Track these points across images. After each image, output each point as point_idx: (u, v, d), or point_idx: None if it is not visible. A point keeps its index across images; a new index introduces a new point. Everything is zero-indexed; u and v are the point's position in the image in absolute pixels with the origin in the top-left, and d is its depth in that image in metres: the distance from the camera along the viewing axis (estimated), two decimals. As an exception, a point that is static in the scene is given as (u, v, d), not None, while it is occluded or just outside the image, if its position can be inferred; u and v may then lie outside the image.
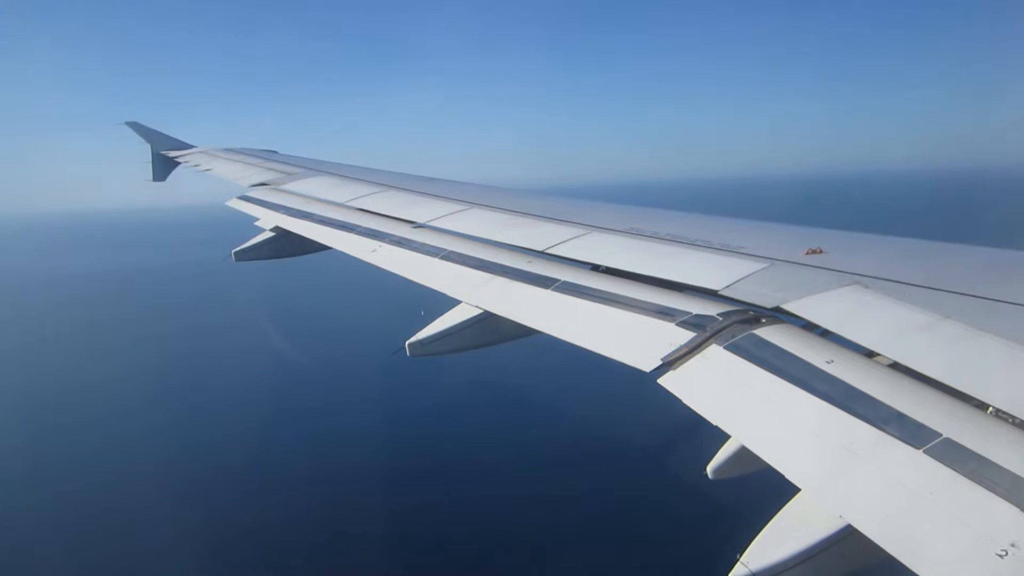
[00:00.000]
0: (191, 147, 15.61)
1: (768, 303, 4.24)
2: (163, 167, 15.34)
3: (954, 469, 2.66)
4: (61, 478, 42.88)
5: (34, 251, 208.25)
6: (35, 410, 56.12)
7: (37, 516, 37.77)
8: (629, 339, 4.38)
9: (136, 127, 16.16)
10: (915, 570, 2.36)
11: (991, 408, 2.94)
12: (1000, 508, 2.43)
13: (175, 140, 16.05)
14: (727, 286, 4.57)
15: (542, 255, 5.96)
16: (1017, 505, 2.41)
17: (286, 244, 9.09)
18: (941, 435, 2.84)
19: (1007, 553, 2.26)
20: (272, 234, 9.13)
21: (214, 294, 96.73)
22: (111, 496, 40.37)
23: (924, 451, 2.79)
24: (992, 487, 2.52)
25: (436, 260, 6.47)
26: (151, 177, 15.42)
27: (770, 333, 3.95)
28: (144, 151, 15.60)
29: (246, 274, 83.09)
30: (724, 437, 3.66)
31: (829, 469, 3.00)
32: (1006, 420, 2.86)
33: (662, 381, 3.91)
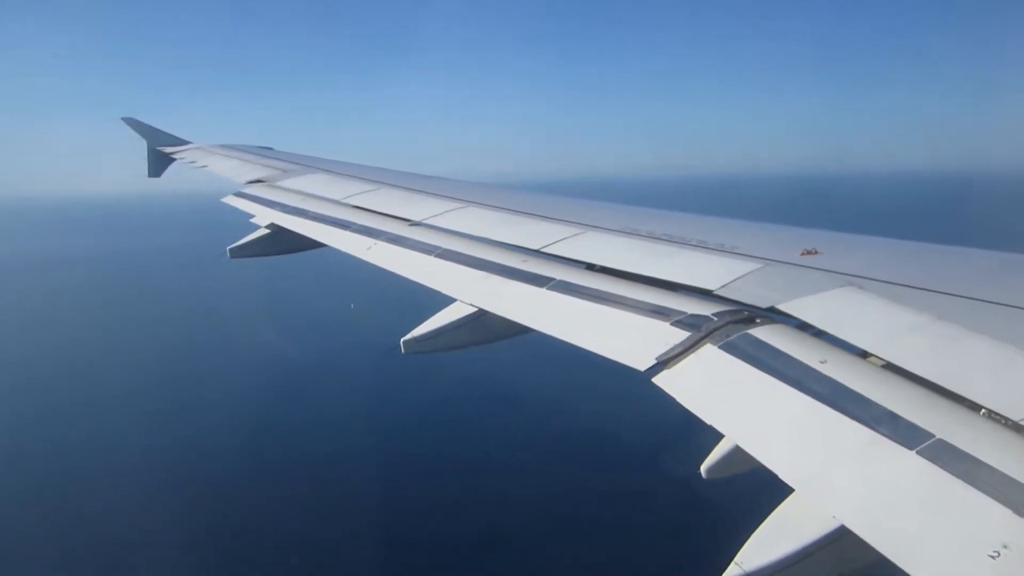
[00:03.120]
0: (187, 143, 15.55)
1: (763, 303, 4.24)
2: (159, 163, 15.27)
3: (946, 470, 2.67)
4: (41, 467, 42.74)
5: (26, 233, 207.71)
6: (21, 395, 56.00)
7: (15, 506, 37.69)
8: (624, 338, 4.36)
9: (132, 123, 16.04)
10: (908, 571, 2.36)
11: (984, 409, 2.95)
12: (992, 509, 2.44)
13: (171, 136, 15.96)
14: (722, 286, 4.57)
15: (537, 253, 5.95)
16: (1009, 506, 2.42)
17: (281, 241, 9.06)
18: (934, 436, 2.84)
19: (999, 554, 2.27)
20: (267, 231, 9.10)
21: (209, 290, 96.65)
22: (95, 485, 40.27)
23: (917, 452, 2.79)
24: (984, 488, 2.52)
25: (431, 258, 6.45)
26: (146, 173, 15.36)
27: (765, 333, 3.95)
28: (140, 145, 15.52)
29: (241, 270, 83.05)
30: (718, 436, 3.65)
31: (822, 469, 3.00)
32: (999, 421, 2.87)
33: (656, 380, 3.90)
